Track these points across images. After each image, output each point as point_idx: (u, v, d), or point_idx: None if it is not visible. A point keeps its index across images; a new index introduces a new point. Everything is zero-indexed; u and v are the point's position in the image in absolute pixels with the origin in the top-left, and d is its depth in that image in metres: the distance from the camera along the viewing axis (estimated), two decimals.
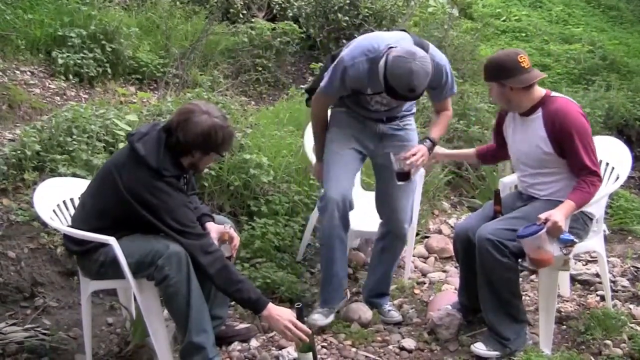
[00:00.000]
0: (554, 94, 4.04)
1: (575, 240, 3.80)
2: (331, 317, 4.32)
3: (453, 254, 5.40)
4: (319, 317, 4.25)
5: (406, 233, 4.50)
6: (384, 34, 4.25)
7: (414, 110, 4.49)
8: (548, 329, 4.04)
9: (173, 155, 3.57)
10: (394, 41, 3.97)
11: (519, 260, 3.92)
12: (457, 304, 4.39)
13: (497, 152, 4.44)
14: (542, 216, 3.73)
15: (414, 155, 4.01)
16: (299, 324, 3.55)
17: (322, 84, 4.20)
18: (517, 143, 4.12)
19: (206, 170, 5.01)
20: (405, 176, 4.06)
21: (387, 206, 4.41)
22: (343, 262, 4.32)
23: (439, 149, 4.48)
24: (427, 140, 4.17)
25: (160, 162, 3.50)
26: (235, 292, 3.56)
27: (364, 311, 4.42)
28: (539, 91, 4.00)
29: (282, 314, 3.58)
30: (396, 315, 4.52)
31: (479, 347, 4.00)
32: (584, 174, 3.88)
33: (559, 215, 3.72)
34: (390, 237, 4.47)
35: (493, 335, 4.02)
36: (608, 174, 4.39)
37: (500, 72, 3.92)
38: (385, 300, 4.59)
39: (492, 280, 3.94)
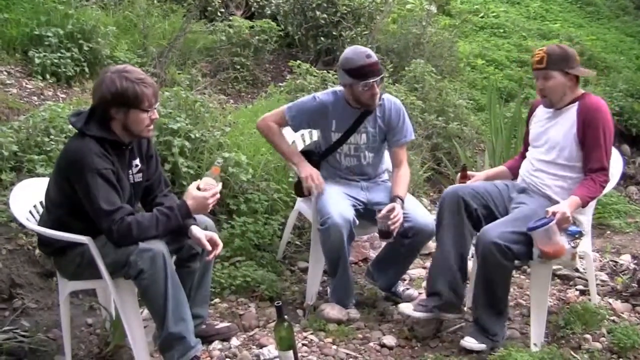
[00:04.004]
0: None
1: (582, 232, 3.91)
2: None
3: (432, 247, 5.34)
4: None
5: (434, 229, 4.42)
6: None
7: (384, 168, 4.77)
8: (540, 323, 4.07)
9: (104, 125, 3.53)
10: None
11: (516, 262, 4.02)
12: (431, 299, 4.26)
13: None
14: (550, 209, 3.82)
15: (392, 212, 4.17)
16: (212, 192, 3.64)
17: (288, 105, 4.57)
18: (551, 132, 4.15)
19: (184, 169, 5.00)
20: (388, 234, 4.19)
21: (410, 217, 4.37)
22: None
23: (478, 176, 4.52)
24: (398, 199, 4.31)
25: (85, 124, 3.50)
26: (160, 227, 3.51)
27: (340, 309, 4.41)
28: (579, 89, 4.14)
29: (198, 195, 3.61)
30: (413, 292, 4.70)
31: (470, 341, 4.03)
32: (594, 171, 3.97)
33: (566, 207, 3.83)
34: (418, 238, 4.43)
35: (480, 329, 4.07)
36: None
37: (567, 61, 4.04)
38: (400, 285, 4.76)
39: (490, 280, 4.00)
